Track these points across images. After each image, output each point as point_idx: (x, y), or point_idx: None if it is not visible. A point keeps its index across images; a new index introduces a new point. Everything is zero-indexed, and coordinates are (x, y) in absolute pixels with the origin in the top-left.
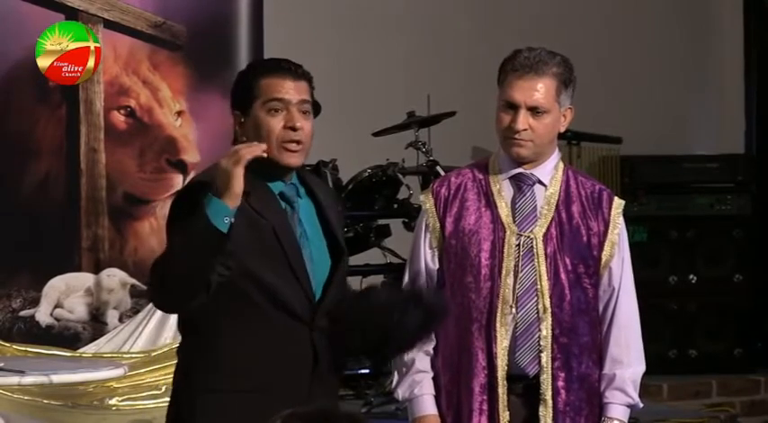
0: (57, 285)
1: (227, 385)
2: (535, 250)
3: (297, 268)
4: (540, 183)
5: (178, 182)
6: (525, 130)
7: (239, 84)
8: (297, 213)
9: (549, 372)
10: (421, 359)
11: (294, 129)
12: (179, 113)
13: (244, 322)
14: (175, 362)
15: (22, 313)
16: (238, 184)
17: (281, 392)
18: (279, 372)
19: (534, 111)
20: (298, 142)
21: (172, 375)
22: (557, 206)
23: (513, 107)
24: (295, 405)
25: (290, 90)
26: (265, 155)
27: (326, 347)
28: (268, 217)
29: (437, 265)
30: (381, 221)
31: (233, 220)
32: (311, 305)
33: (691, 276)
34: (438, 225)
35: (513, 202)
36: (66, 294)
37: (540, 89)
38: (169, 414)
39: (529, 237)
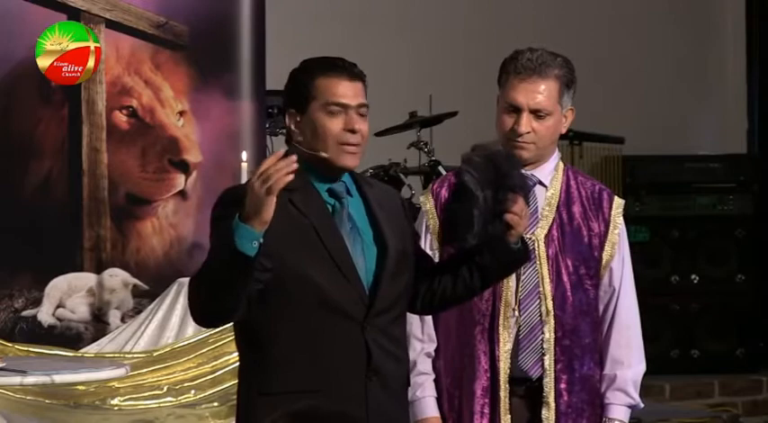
0: (59, 285)
1: (280, 388)
2: (537, 252)
3: (343, 266)
4: (541, 184)
5: (180, 182)
6: (528, 132)
7: (295, 83)
8: (346, 208)
9: (552, 374)
10: (422, 361)
11: (353, 131)
12: (181, 113)
13: (294, 324)
14: (177, 362)
15: (25, 313)
16: (269, 212)
17: (335, 393)
18: (331, 372)
19: (537, 113)
20: (356, 144)
21: (174, 375)
22: (557, 207)
23: (515, 110)
24: (350, 405)
25: (348, 93)
26: (295, 166)
27: (379, 346)
28: (310, 216)
29: None
30: None
31: (261, 241)
32: (363, 303)
33: (693, 276)
34: (438, 226)
35: None
36: (68, 294)
37: (543, 91)
38: (236, 419)
39: (530, 238)
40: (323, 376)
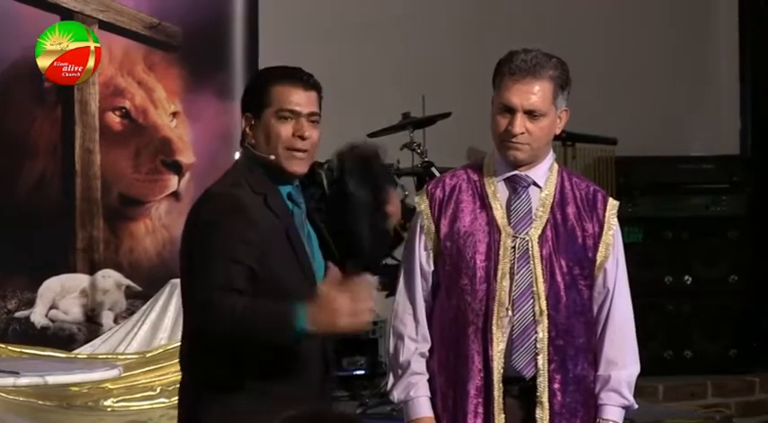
0: (52, 286)
1: (250, 389)
2: (531, 252)
3: (307, 271)
4: (535, 184)
5: (173, 183)
6: (522, 133)
7: (252, 88)
8: (303, 213)
9: (546, 374)
10: (416, 361)
11: (303, 138)
12: (174, 114)
13: None
14: (170, 363)
15: (18, 314)
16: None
17: (299, 394)
18: (297, 374)
19: (531, 114)
20: (304, 150)
21: (167, 376)
22: (552, 208)
23: (509, 110)
24: (311, 405)
25: (301, 101)
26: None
27: (329, 350)
28: (282, 220)
29: (432, 267)
30: None
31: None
32: None
33: (686, 277)
34: (433, 227)
35: (509, 204)
36: (61, 295)
37: (536, 92)
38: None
39: (524, 239)
40: (289, 378)
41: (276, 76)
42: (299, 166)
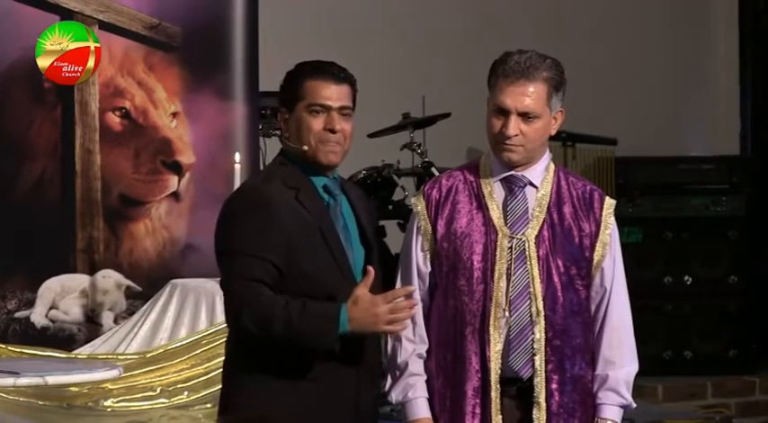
0: (52, 287)
1: (287, 376)
2: (527, 253)
3: (343, 266)
4: (532, 184)
5: (173, 183)
6: (516, 135)
7: (286, 84)
8: (339, 205)
9: (543, 374)
10: (414, 362)
11: (333, 131)
12: (174, 115)
13: None
14: (171, 363)
15: (18, 315)
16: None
17: (333, 384)
18: (330, 365)
19: (525, 116)
20: (336, 142)
21: (167, 376)
22: (548, 208)
23: (503, 112)
24: (344, 395)
25: (333, 95)
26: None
27: (365, 341)
28: (315, 214)
29: (429, 268)
30: None
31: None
32: None
33: (686, 277)
34: (429, 228)
35: (505, 205)
36: (61, 296)
37: (530, 94)
38: (228, 404)
39: (521, 239)
40: (322, 368)
41: (308, 71)
42: (332, 157)
